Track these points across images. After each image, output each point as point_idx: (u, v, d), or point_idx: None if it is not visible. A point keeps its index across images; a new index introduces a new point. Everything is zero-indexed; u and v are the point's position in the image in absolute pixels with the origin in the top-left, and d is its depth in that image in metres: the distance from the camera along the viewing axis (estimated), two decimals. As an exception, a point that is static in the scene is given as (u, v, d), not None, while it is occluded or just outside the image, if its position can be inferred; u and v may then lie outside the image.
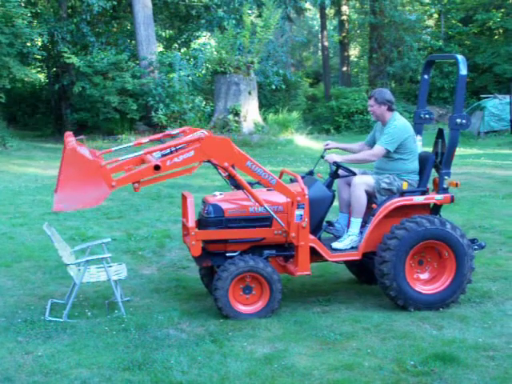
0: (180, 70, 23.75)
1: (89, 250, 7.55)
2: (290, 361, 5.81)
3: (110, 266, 7.29)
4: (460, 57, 7.27)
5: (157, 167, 6.35)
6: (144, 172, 6.40)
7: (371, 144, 7.63)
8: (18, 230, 10.60)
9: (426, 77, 8.03)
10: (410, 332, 6.45)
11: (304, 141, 23.51)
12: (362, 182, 7.25)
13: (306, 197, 6.86)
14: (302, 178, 7.27)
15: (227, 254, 6.97)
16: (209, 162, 6.61)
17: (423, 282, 7.18)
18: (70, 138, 6.77)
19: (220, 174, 6.94)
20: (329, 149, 7.73)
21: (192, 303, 7.35)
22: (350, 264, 8.02)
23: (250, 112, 23.45)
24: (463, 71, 7.13)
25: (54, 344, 6.13)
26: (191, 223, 6.79)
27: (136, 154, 6.61)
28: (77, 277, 6.87)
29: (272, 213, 6.85)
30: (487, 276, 8.14)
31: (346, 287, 7.98)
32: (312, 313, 7.02)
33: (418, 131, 7.88)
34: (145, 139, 7.31)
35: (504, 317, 6.86)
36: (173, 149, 6.66)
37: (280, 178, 7.63)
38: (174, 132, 7.46)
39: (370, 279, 7.90)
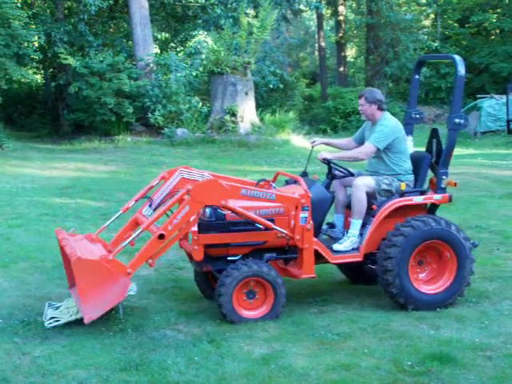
0: (176, 70, 23.74)
1: None
2: (288, 361, 5.80)
3: None
4: (457, 57, 7.26)
5: (161, 236, 6.37)
6: (152, 247, 6.42)
7: (358, 141, 7.63)
8: (15, 231, 10.58)
9: (417, 77, 8.04)
10: (407, 332, 6.45)
11: (301, 141, 23.51)
12: (364, 184, 7.23)
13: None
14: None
15: (228, 258, 6.89)
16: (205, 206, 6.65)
17: (422, 282, 7.19)
18: (63, 240, 6.83)
19: None
20: (315, 145, 7.70)
21: (189, 304, 7.35)
22: (342, 265, 7.98)
23: (247, 112, 23.45)
24: (461, 71, 7.12)
25: (50, 345, 6.12)
26: (194, 227, 6.74)
27: (137, 232, 6.62)
28: None
29: (276, 227, 6.78)
30: (484, 276, 8.14)
31: (342, 287, 7.98)
32: (309, 313, 7.02)
33: (409, 131, 7.89)
34: (130, 203, 7.31)
35: (501, 316, 6.87)
36: (168, 212, 6.73)
37: (275, 179, 7.62)
38: (154, 183, 7.40)
39: (364, 280, 7.94)
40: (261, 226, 6.80)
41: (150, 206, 7.00)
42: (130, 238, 6.61)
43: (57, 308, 6.83)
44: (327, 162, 7.30)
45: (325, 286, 8.03)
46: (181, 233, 6.63)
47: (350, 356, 5.91)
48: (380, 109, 7.41)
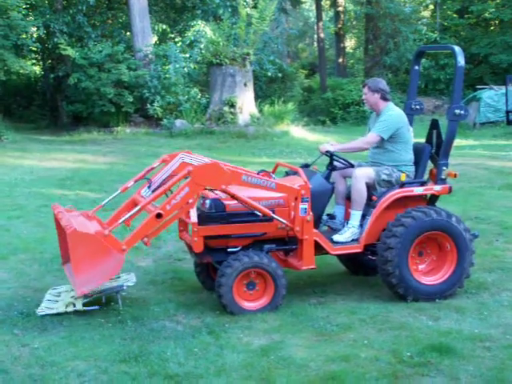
0: (175, 61, 23.68)
1: None
2: (287, 352, 5.81)
3: (119, 277, 7.23)
4: (457, 48, 7.23)
5: (159, 215, 6.34)
6: (148, 225, 6.39)
7: None
8: (14, 223, 10.58)
9: (416, 67, 8.02)
10: (407, 323, 6.45)
11: (300, 132, 23.48)
12: (363, 175, 7.22)
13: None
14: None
15: (228, 250, 6.88)
16: (205, 189, 6.62)
17: (422, 273, 7.18)
18: (60, 214, 6.77)
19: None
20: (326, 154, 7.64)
21: (188, 295, 7.35)
22: (341, 256, 7.95)
23: (246, 104, 23.38)
24: (461, 62, 7.10)
25: (50, 336, 6.12)
26: (194, 219, 6.72)
27: (135, 210, 6.59)
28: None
29: (277, 217, 6.76)
30: (483, 267, 8.14)
31: (342, 278, 7.98)
32: (308, 304, 7.02)
33: (409, 122, 7.88)
34: (129, 183, 7.30)
35: (500, 307, 6.87)
36: (168, 192, 6.66)
37: (274, 170, 7.59)
38: (155, 165, 7.37)
39: (364, 271, 7.94)
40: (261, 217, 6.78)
41: (149, 187, 6.97)
42: (128, 215, 6.60)
43: (56, 300, 6.82)
44: (329, 154, 7.29)
45: (324, 277, 8.03)
46: (179, 213, 6.64)
47: (349, 347, 5.92)
48: (383, 98, 7.39)
